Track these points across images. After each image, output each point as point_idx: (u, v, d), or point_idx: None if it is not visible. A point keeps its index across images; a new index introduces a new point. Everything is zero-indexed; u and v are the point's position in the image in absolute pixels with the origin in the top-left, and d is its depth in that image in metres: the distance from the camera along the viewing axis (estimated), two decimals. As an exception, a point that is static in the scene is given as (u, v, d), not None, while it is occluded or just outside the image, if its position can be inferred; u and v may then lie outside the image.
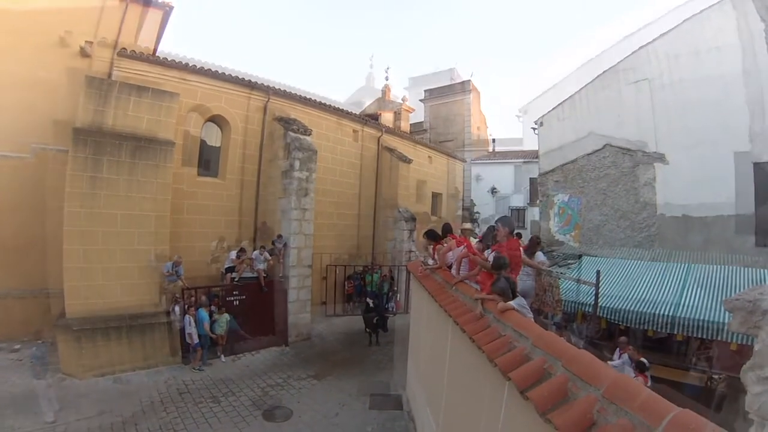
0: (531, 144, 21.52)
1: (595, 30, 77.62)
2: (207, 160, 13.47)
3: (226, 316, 11.26)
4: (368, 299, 13.96)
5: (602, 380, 2.26)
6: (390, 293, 16.43)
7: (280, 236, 13.09)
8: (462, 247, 6.22)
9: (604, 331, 9.51)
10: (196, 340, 10.70)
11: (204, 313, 10.94)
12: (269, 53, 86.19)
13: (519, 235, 7.43)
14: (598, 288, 6.48)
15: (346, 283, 16.85)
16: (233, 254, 12.59)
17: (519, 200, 25.79)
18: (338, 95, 35.68)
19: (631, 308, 8.32)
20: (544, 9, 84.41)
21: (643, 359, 7.27)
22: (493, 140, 31.73)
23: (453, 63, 28.98)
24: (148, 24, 13.16)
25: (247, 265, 12.59)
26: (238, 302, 12.02)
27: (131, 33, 12.49)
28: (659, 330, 8.03)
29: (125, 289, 10.34)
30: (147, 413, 8.46)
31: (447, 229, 7.34)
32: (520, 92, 75.21)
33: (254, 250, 13.22)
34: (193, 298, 11.27)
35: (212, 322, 11.08)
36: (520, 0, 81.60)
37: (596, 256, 11.61)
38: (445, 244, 6.89)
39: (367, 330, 13.49)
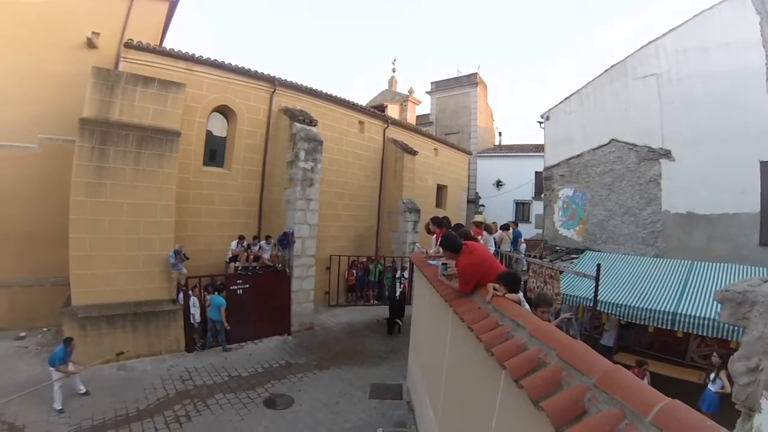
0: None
1: (619, 29, 76.46)
2: (213, 150, 13.52)
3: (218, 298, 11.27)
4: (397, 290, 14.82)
5: (595, 370, 2.28)
6: (399, 283, 16.59)
7: (285, 233, 13.21)
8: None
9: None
10: (198, 319, 11.11)
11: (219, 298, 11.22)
12: (292, 58, 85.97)
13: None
14: (598, 281, 6.48)
15: (347, 271, 16.91)
16: (234, 244, 12.72)
17: (524, 194, 25.68)
18: (361, 98, 35.54)
19: (632, 303, 8.32)
20: (559, 9, 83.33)
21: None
22: (500, 133, 31.59)
23: (476, 68, 28.43)
24: (155, 15, 13.24)
25: (253, 254, 12.73)
26: (241, 291, 12.12)
27: (138, 24, 12.56)
28: (660, 326, 8.03)
29: (130, 278, 10.48)
30: (150, 400, 8.60)
31: (446, 223, 6.99)
32: (546, 97, 74.49)
33: (256, 239, 13.34)
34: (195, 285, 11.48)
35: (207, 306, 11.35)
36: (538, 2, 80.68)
37: (599, 251, 11.61)
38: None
39: (391, 319, 13.77)
